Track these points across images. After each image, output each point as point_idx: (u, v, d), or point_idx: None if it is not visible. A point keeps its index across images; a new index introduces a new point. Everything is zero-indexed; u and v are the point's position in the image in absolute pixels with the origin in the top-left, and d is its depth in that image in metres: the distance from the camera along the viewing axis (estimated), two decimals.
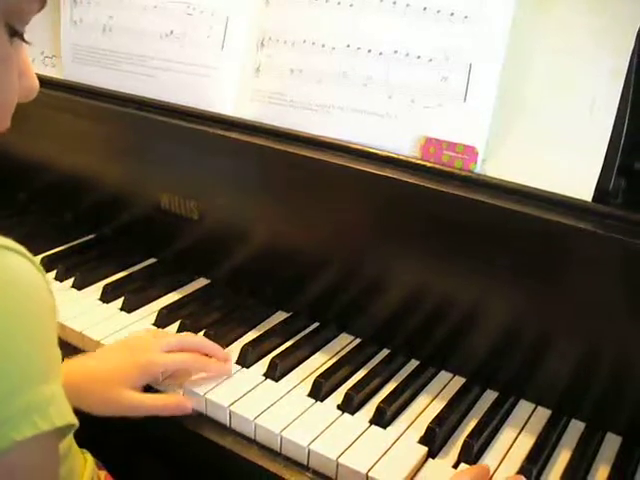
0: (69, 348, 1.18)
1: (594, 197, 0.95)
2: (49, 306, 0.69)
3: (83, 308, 1.25)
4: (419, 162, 1.05)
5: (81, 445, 0.99)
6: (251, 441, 1.00)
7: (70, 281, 1.32)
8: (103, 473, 1.03)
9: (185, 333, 1.15)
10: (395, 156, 1.06)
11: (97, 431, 1.08)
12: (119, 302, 1.26)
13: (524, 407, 1.07)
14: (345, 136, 1.11)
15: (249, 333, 1.20)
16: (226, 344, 1.16)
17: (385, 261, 1.12)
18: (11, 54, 0.66)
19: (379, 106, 1.09)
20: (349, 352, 1.17)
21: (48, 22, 1.50)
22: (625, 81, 0.94)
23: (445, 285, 1.08)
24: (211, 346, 1.11)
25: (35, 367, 0.67)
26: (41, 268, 0.69)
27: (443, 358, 1.13)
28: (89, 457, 1.00)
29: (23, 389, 0.65)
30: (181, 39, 1.29)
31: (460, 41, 1.03)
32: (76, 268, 1.35)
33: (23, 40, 0.67)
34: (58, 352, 0.71)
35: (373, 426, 1.01)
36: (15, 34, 0.65)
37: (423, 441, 0.99)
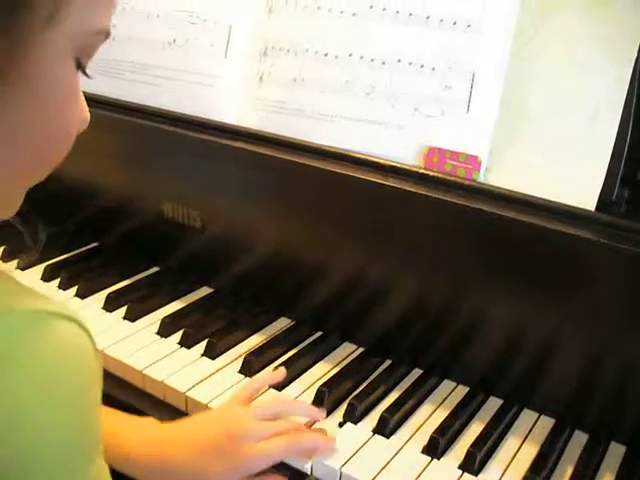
0: None
1: (597, 206, 0.95)
2: (98, 376, 0.66)
3: (86, 317, 1.21)
4: (422, 171, 1.05)
5: None
6: None
7: (73, 290, 1.32)
8: None
9: (279, 397, 1.09)
10: (398, 165, 1.06)
11: None
12: (122, 311, 1.26)
13: (528, 416, 1.07)
14: (348, 145, 1.11)
15: (252, 342, 1.20)
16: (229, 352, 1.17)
17: (388, 271, 1.12)
18: (78, 88, 0.67)
19: (382, 115, 1.09)
20: (352, 361, 1.17)
21: None
22: (628, 90, 0.94)
23: (447, 294, 1.08)
24: (306, 409, 1.04)
25: (84, 449, 0.64)
26: (90, 332, 0.65)
27: (446, 367, 1.13)
28: None
29: (74, 468, 0.62)
30: (184, 48, 1.29)
31: (463, 50, 1.03)
32: (79, 277, 1.35)
33: (85, 74, 0.67)
34: (100, 422, 0.67)
35: (376, 435, 1.01)
36: (80, 67, 0.65)
37: (426, 451, 0.99)
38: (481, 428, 1.03)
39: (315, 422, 1.02)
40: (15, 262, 1.41)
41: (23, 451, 0.58)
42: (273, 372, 1.09)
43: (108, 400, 1.10)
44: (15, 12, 0.55)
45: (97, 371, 0.65)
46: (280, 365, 1.12)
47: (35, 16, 0.56)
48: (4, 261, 1.43)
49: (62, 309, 0.61)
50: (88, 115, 0.71)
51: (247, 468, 0.92)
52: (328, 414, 1.04)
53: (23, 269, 1.39)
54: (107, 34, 0.65)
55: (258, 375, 1.11)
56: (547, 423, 1.05)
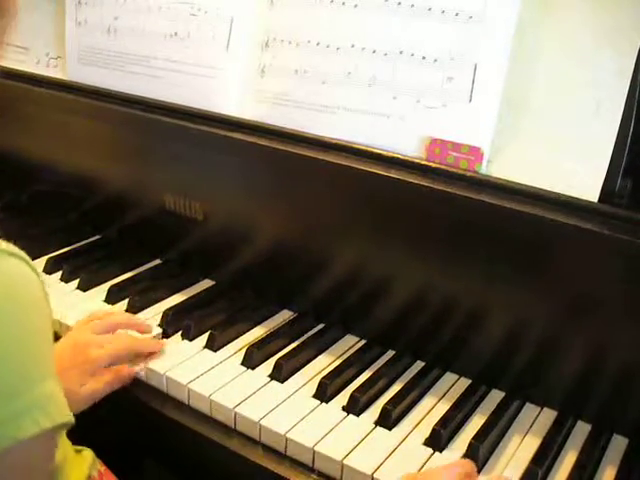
0: None
1: (600, 198, 0.95)
2: (43, 306, 0.71)
3: (88, 309, 1.24)
4: (424, 163, 1.04)
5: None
6: (256, 442, 1.00)
7: (75, 282, 1.32)
8: (102, 468, 1.04)
9: (110, 312, 1.21)
10: (400, 157, 1.06)
11: (100, 434, 1.09)
12: (124, 303, 1.26)
13: (530, 409, 1.07)
14: (350, 137, 1.11)
15: (254, 334, 1.20)
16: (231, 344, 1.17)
17: (390, 262, 1.12)
18: None
19: (384, 107, 1.08)
20: (354, 353, 1.17)
21: (53, 23, 1.50)
22: (631, 82, 0.94)
23: (450, 286, 1.07)
24: (135, 321, 1.19)
25: (33, 366, 0.67)
26: (37, 271, 0.71)
27: (448, 359, 1.13)
28: (88, 454, 1.00)
29: (23, 389, 0.65)
30: (185, 40, 1.29)
31: (465, 41, 1.02)
32: (81, 269, 1.35)
33: None
34: (53, 350, 0.72)
35: (378, 427, 1.01)
36: None
37: (428, 443, 0.99)
38: (483, 420, 1.03)
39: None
40: None
41: None
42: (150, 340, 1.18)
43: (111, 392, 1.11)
44: None
45: (43, 303, 0.71)
46: (283, 357, 1.12)
47: None
48: None
49: (7, 246, 0.67)
50: None
51: (97, 366, 1.05)
52: (330, 405, 1.04)
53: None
54: None
55: (130, 317, 1.22)
56: (549, 415, 1.05)
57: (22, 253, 0.69)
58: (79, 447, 1.01)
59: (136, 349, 1.12)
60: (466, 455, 0.97)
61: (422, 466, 0.95)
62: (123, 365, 1.09)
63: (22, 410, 0.65)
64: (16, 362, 0.65)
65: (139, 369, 1.11)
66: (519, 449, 0.99)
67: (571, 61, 0.98)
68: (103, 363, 1.07)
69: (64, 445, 0.93)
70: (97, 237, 1.53)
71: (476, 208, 0.98)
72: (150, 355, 1.13)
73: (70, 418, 0.71)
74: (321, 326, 1.23)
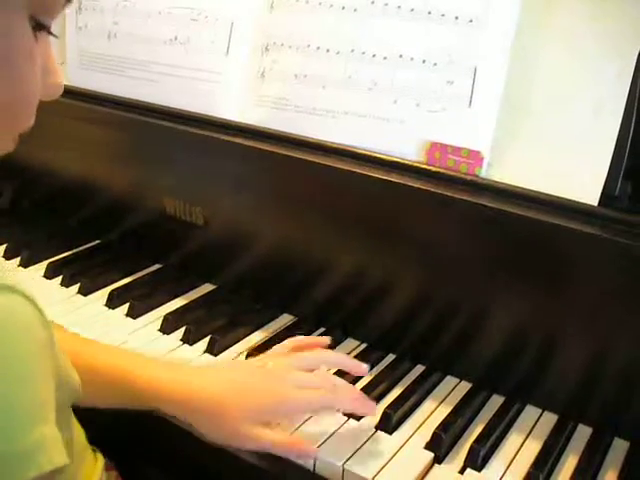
0: None
1: (600, 201, 0.95)
2: (42, 344, 0.67)
3: (89, 314, 1.25)
4: (424, 167, 1.04)
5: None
6: None
7: (75, 287, 1.32)
8: (114, 474, 1.03)
9: (323, 351, 1.07)
10: (400, 161, 1.06)
11: (103, 438, 1.08)
12: (125, 308, 1.26)
13: (531, 412, 1.07)
14: (350, 141, 1.11)
15: (255, 338, 1.20)
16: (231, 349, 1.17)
17: (389, 266, 1.12)
18: (34, 49, 0.64)
19: (384, 111, 1.09)
20: (355, 357, 1.16)
21: (54, 29, 1.50)
22: (631, 85, 0.94)
23: (450, 290, 1.07)
24: (350, 362, 1.05)
25: (25, 407, 0.64)
26: (37, 303, 0.66)
27: (449, 363, 1.13)
28: (100, 457, 0.99)
29: (12, 435, 0.62)
30: (185, 45, 1.29)
31: (465, 45, 1.02)
32: (81, 274, 1.35)
33: (50, 33, 0.65)
34: (51, 391, 0.67)
35: (379, 432, 1.01)
36: (41, 28, 0.64)
37: (429, 447, 0.98)
38: (484, 424, 1.03)
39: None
40: (17, 260, 1.41)
41: None
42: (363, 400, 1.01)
43: None
44: None
45: (39, 341, 0.66)
46: None
47: None
48: (7, 259, 1.43)
49: (7, 281, 0.62)
50: (60, 81, 0.69)
51: (284, 408, 0.93)
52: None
53: (25, 266, 1.39)
54: None
55: (345, 359, 1.07)
56: (550, 419, 1.05)
57: (25, 289, 0.64)
58: (93, 447, 0.99)
59: (336, 406, 0.98)
60: (467, 458, 0.96)
61: (423, 470, 0.95)
62: (308, 442, 0.94)
63: (7, 457, 0.62)
64: (3, 407, 0.62)
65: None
66: (520, 453, 0.99)
67: (571, 64, 0.98)
68: (292, 410, 0.95)
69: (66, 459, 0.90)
70: (97, 241, 1.53)
71: (476, 212, 0.98)
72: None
73: (60, 464, 0.66)
74: (321, 330, 1.23)
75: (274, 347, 1.06)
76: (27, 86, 0.65)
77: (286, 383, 0.94)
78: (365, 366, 1.03)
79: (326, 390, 0.96)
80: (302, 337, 1.10)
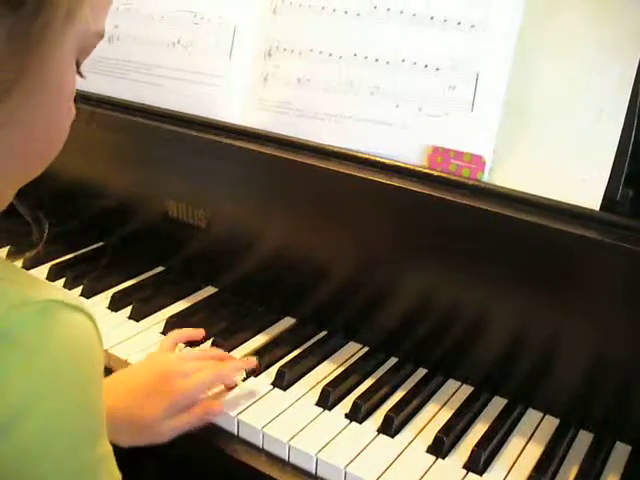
0: None
1: (602, 206, 0.95)
2: (101, 364, 0.69)
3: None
4: (426, 171, 1.05)
5: None
6: (259, 450, 1.00)
7: (78, 289, 1.32)
8: None
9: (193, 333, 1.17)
10: (402, 165, 1.06)
11: None
12: (127, 310, 1.26)
13: (532, 416, 1.07)
14: (352, 145, 1.11)
15: (257, 341, 1.21)
16: (233, 352, 1.17)
17: (392, 270, 1.12)
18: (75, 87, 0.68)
19: (386, 115, 1.09)
20: (357, 361, 1.17)
21: None
22: (632, 90, 0.94)
23: (452, 294, 1.08)
24: (228, 356, 1.13)
25: (91, 429, 0.66)
26: (97, 323, 0.68)
27: (451, 366, 1.13)
28: None
29: (79, 451, 0.65)
30: (188, 48, 1.29)
31: (467, 50, 1.03)
32: (84, 276, 1.35)
33: (80, 74, 0.68)
34: (104, 406, 0.69)
35: (381, 435, 1.01)
36: (77, 67, 0.67)
37: (431, 450, 0.99)
38: (486, 428, 1.03)
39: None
40: (20, 262, 1.41)
41: (36, 435, 0.60)
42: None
43: None
44: (39, 9, 0.56)
45: (102, 360, 0.68)
46: (285, 365, 1.12)
47: (56, 13, 0.58)
48: (12, 260, 1.43)
49: (71, 300, 0.64)
50: (74, 112, 0.71)
51: (184, 399, 1.00)
52: (333, 413, 1.05)
53: (28, 268, 1.40)
54: (102, 36, 0.67)
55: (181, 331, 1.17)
56: (552, 423, 1.05)
57: (89, 308, 0.66)
58: None
59: (223, 378, 1.08)
60: (469, 462, 0.97)
61: (425, 473, 0.95)
62: (212, 401, 1.04)
63: (73, 474, 0.64)
64: (74, 425, 0.64)
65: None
66: (521, 456, 0.99)
67: (573, 70, 0.98)
68: (188, 395, 1.01)
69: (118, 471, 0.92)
70: (100, 244, 1.53)
71: (478, 216, 0.99)
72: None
73: (119, 475, 0.70)
74: (324, 333, 1.23)
75: (162, 343, 1.14)
76: (68, 122, 0.69)
77: (177, 379, 1.02)
78: (253, 360, 1.12)
79: (210, 368, 1.05)
80: (180, 330, 1.17)
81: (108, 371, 1.15)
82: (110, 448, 0.69)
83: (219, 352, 1.14)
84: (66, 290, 1.35)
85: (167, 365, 1.05)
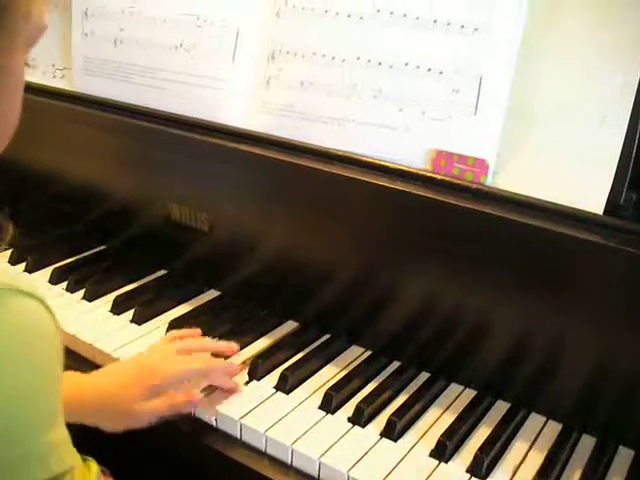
0: (79, 360, 1.18)
1: (605, 210, 0.95)
2: (57, 351, 0.70)
3: (94, 320, 1.25)
4: (430, 175, 1.05)
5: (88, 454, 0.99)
6: (262, 454, 1.00)
7: (81, 293, 1.33)
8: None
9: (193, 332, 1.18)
10: (406, 169, 1.06)
11: (105, 443, 1.09)
12: (130, 314, 1.26)
13: (535, 420, 1.07)
14: (355, 149, 1.11)
15: (260, 345, 1.20)
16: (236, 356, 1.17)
17: (395, 274, 1.12)
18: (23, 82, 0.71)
19: (390, 119, 1.09)
20: (360, 364, 1.17)
21: (59, 34, 1.50)
22: (636, 94, 0.94)
23: (455, 297, 1.08)
24: (221, 344, 1.15)
25: (41, 414, 0.67)
26: (52, 311, 0.69)
27: (454, 370, 1.13)
28: (94, 466, 1.00)
29: (28, 437, 0.65)
30: (191, 51, 1.29)
31: (470, 54, 1.03)
32: (87, 280, 1.35)
33: (27, 64, 0.71)
34: (61, 394, 0.71)
35: (384, 439, 1.01)
36: (27, 61, 0.70)
37: (434, 454, 0.99)
38: (489, 432, 1.03)
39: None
40: (23, 265, 1.41)
41: None
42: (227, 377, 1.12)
43: None
44: (1, 17, 0.61)
45: (57, 347, 0.70)
46: (288, 369, 1.12)
47: (16, 18, 0.63)
48: (12, 264, 1.43)
49: (25, 287, 0.65)
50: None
51: (162, 383, 1.02)
52: (336, 417, 1.05)
53: (30, 271, 1.40)
54: (46, 27, 0.70)
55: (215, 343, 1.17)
56: (555, 427, 1.05)
57: (39, 292, 0.67)
58: (85, 457, 1.01)
59: (211, 370, 1.09)
60: (471, 466, 0.96)
61: (427, 478, 0.95)
62: (192, 390, 1.05)
63: (19, 459, 0.65)
64: (22, 409, 0.65)
65: (210, 415, 1.05)
66: (524, 461, 0.99)
67: (576, 74, 0.98)
68: (168, 380, 1.03)
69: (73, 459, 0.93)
70: (103, 247, 1.53)
71: (481, 220, 0.98)
72: (227, 391, 1.08)
73: (70, 464, 0.71)
74: (326, 337, 1.23)
75: (161, 339, 1.17)
76: (16, 115, 0.72)
77: (168, 364, 1.05)
78: (235, 345, 1.15)
79: (198, 361, 1.08)
80: (178, 330, 1.19)
81: None
82: (65, 435, 0.70)
83: (211, 342, 1.16)
84: (26, 275, 1.40)
85: (153, 358, 1.07)
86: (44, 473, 0.66)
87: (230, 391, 1.08)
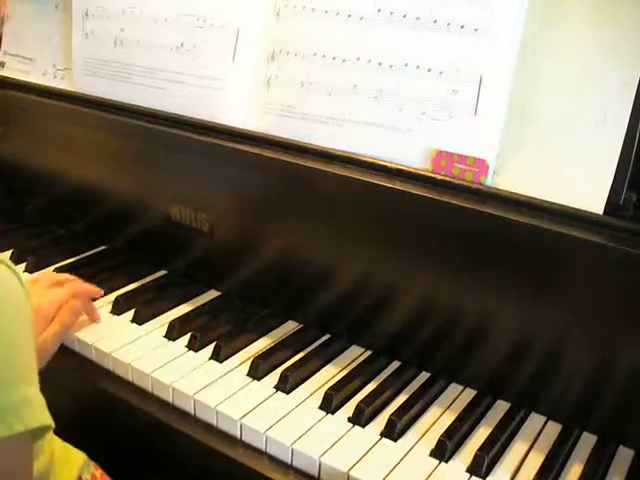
0: (80, 360, 1.19)
1: (605, 210, 0.95)
2: (27, 314, 0.74)
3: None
4: (430, 175, 1.05)
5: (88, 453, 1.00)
6: (262, 453, 1.00)
7: None
8: (99, 472, 1.08)
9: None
10: (406, 169, 1.06)
11: (108, 446, 1.09)
12: (130, 314, 1.26)
13: (535, 420, 1.07)
14: (356, 149, 1.11)
15: (260, 345, 1.21)
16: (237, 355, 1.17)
17: (395, 273, 1.12)
18: None
19: (390, 119, 1.09)
20: (360, 364, 1.17)
21: (60, 35, 1.51)
22: (636, 93, 0.94)
23: (455, 298, 1.08)
24: (88, 287, 1.28)
25: (14, 369, 0.71)
26: (22, 278, 0.74)
27: (454, 370, 1.13)
28: (80, 455, 1.03)
29: (4, 388, 0.69)
30: (192, 52, 1.30)
31: (470, 54, 1.03)
32: (87, 280, 1.35)
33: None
34: (35, 358, 0.75)
35: (384, 439, 1.01)
36: None
37: (434, 454, 0.99)
38: (489, 431, 1.03)
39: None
40: (23, 265, 1.41)
41: None
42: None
43: (116, 403, 1.12)
44: None
45: (27, 310, 0.74)
46: (288, 368, 1.12)
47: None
48: (14, 263, 1.43)
49: None
50: None
51: (40, 315, 1.11)
52: (336, 417, 1.05)
53: (31, 271, 1.40)
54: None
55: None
56: (555, 427, 1.05)
57: (3, 256, 0.72)
58: (70, 445, 1.03)
59: (78, 291, 1.21)
60: (471, 466, 0.96)
61: (427, 477, 0.95)
62: (66, 309, 1.16)
63: None
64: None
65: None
66: (525, 460, 0.99)
67: (576, 73, 0.98)
68: (53, 305, 1.14)
69: (52, 447, 0.96)
70: (103, 247, 1.53)
71: (482, 220, 0.99)
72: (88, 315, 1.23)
73: (46, 423, 0.74)
74: (327, 337, 1.23)
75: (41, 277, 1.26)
76: None
77: (44, 297, 1.15)
78: (100, 291, 1.29)
79: (70, 288, 1.21)
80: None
81: (109, 373, 1.15)
82: (41, 398, 0.74)
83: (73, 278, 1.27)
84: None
85: (35, 303, 1.10)
86: (20, 425, 0.70)
87: (91, 314, 1.23)
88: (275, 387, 1.10)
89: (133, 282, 1.38)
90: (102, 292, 1.28)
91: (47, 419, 0.74)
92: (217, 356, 1.16)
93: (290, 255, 1.23)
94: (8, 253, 1.45)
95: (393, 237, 1.10)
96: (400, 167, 1.07)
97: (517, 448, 1.01)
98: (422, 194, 1.03)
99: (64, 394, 1.09)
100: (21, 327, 0.73)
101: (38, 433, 0.75)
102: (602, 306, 0.96)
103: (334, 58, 1.14)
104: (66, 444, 1.07)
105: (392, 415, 1.03)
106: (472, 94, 1.03)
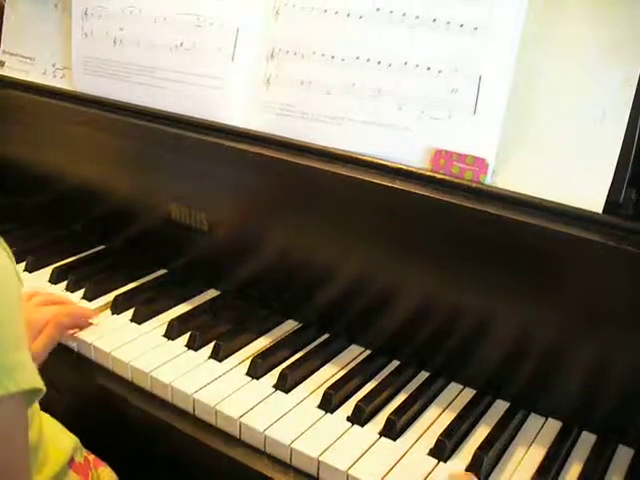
0: (80, 360, 1.19)
1: (604, 209, 0.95)
2: (15, 284, 0.77)
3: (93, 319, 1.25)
4: (429, 174, 1.05)
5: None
6: (261, 452, 1.01)
7: (80, 292, 1.33)
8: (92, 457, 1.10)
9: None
10: (405, 168, 1.06)
11: (108, 445, 1.09)
12: (129, 313, 1.26)
13: (535, 419, 1.07)
14: (355, 148, 1.11)
15: (259, 344, 1.20)
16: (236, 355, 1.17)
17: (395, 273, 1.12)
18: None
19: (389, 118, 1.09)
20: (359, 363, 1.17)
21: (59, 34, 1.51)
22: (636, 92, 0.94)
23: (455, 297, 1.07)
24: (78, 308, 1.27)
25: (8, 334, 0.73)
26: (12, 256, 0.78)
27: (453, 369, 1.13)
28: (72, 437, 1.04)
29: None
30: (191, 51, 1.29)
31: (470, 53, 1.03)
32: (86, 279, 1.35)
33: None
34: (26, 331, 0.78)
35: (383, 438, 1.01)
36: None
37: (433, 453, 0.98)
38: (488, 431, 1.03)
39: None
40: (23, 264, 1.41)
41: None
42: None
43: (116, 402, 1.12)
44: None
45: (16, 286, 0.78)
46: (288, 368, 1.12)
47: None
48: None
49: None
50: None
51: (31, 329, 1.11)
52: (335, 416, 1.04)
53: (30, 271, 1.40)
54: None
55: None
56: (554, 426, 1.05)
57: (3, 242, 0.76)
58: (62, 427, 1.04)
59: (70, 312, 1.21)
60: (471, 465, 0.96)
61: (426, 477, 0.95)
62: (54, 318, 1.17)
63: None
64: None
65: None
66: (524, 459, 0.99)
67: (576, 72, 0.98)
68: (35, 325, 1.14)
69: (40, 421, 0.98)
70: (102, 247, 1.53)
71: (481, 219, 0.98)
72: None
73: (37, 386, 0.76)
74: (326, 336, 1.23)
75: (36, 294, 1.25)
76: None
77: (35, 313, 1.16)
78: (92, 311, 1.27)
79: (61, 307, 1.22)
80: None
81: (109, 374, 1.15)
82: (32, 365, 0.76)
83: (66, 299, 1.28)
84: None
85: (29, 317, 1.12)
86: (13, 386, 0.72)
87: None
88: (274, 386, 1.10)
89: (132, 281, 1.38)
90: (94, 315, 1.25)
91: (39, 382, 0.77)
92: (216, 355, 1.16)
93: (289, 254, 1.23)
94: None
95: (392, 236, 1.09)
96: (399, 166, 1.07)
97: (517, 447, 1.01)
98: (421, 193, 1.03)
99: (63, 393, 1.09)
100: (11, 297, 0.76)
101: (30, 396, 0.77)
102: (601, 305, 0.96)
103: (333, 57, 1.13)
104: (58, 424, 1.10)
105: (391, 414, 1.03)
106: (471, 93, 1.03)
